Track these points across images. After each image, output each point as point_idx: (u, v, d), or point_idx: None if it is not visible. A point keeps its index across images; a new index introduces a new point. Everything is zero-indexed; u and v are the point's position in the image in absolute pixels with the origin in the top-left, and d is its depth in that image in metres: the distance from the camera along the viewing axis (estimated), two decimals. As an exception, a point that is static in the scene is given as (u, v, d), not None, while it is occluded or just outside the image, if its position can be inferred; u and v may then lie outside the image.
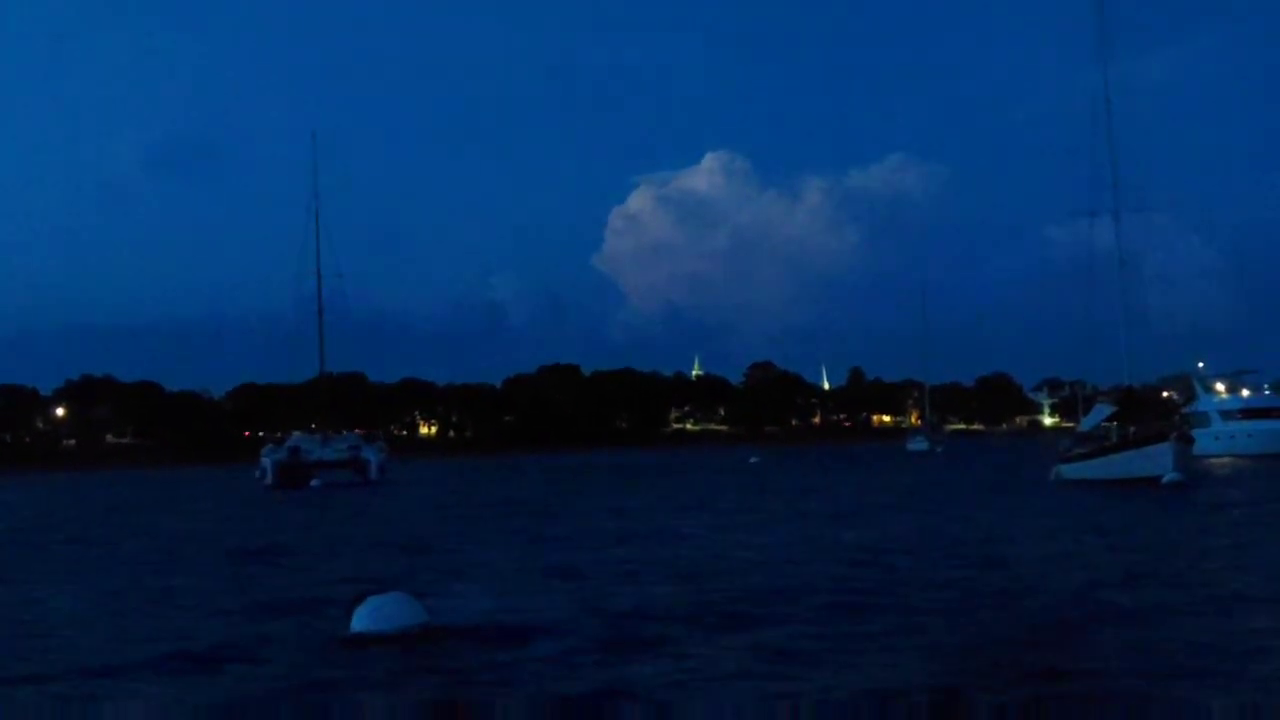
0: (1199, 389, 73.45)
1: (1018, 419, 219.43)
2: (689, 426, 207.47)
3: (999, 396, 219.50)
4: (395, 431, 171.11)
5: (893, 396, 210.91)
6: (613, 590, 16.66)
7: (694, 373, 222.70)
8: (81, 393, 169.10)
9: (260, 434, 77.42)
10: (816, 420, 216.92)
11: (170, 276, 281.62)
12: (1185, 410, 67.99)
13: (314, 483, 62.92)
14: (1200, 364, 74.76)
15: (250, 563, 22.82)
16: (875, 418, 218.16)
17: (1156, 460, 41.04)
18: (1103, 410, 48.06)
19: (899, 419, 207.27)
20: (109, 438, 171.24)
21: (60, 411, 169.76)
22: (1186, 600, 14.51)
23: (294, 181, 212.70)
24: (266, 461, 68.11)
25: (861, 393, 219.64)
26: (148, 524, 37.94)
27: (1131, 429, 45.97)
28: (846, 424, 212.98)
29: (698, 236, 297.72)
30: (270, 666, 11.54)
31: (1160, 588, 15.89)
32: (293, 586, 18.45)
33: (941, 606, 14.46)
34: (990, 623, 13.25)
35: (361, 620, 12.40)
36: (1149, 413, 50.00)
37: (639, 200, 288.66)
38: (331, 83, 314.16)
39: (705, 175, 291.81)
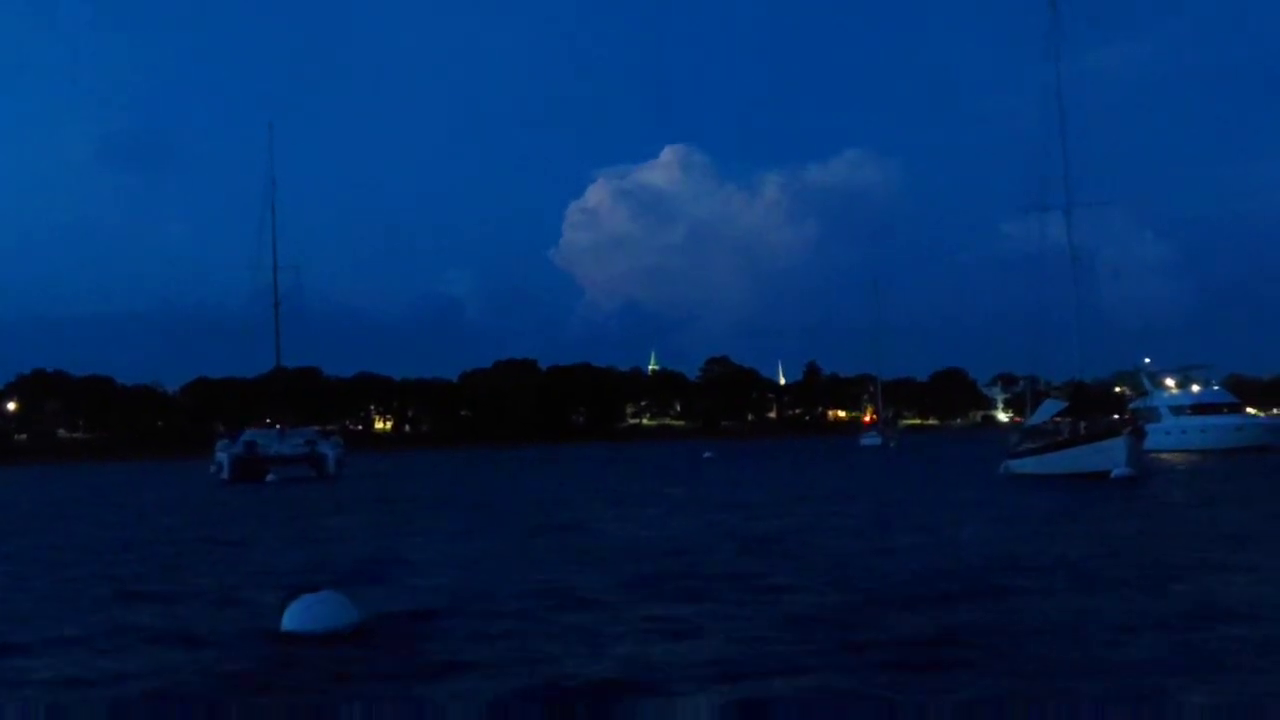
0: (1147, 385, 74.04)
1: (972, 414, 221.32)
2: (645, 422, 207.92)
3: (953, 391, 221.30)
4: (350, 426, 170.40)
5: (848, 391, 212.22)
6: (567, 578, 16.56)
7: (650, 368, 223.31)
8: (33, 387, 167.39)
9: (220, 429, 76.63)
10: (773, 415, 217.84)
11: (123, 270, 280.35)
12: (1134, 405, 68.46)
13: (269, 477, 62.34)
14: (1147, 360, 75.36)
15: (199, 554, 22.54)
16: (831, 413, 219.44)
17: (1108, 455, 41.42)
18: (1052, 405, 48.35)
19: (854, 413, 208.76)
20: (61, 432, 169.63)
21: (11, 406, 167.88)
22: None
23: (249, 174, 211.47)
24: (222, 456, 67.23)
25: (817, 388, 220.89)
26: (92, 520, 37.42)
27: (1082, 424, 46.35)
28: (804, 419, 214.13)
29: (655, 231, 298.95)
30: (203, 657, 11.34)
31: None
32: (243, 582, 18.21)
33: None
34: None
35: (293, 619, 12.24)
36: (1099, 408, 50.34)
37: (597, 194, 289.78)
38: (287, 75, 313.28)
39: (663, 169, 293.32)
